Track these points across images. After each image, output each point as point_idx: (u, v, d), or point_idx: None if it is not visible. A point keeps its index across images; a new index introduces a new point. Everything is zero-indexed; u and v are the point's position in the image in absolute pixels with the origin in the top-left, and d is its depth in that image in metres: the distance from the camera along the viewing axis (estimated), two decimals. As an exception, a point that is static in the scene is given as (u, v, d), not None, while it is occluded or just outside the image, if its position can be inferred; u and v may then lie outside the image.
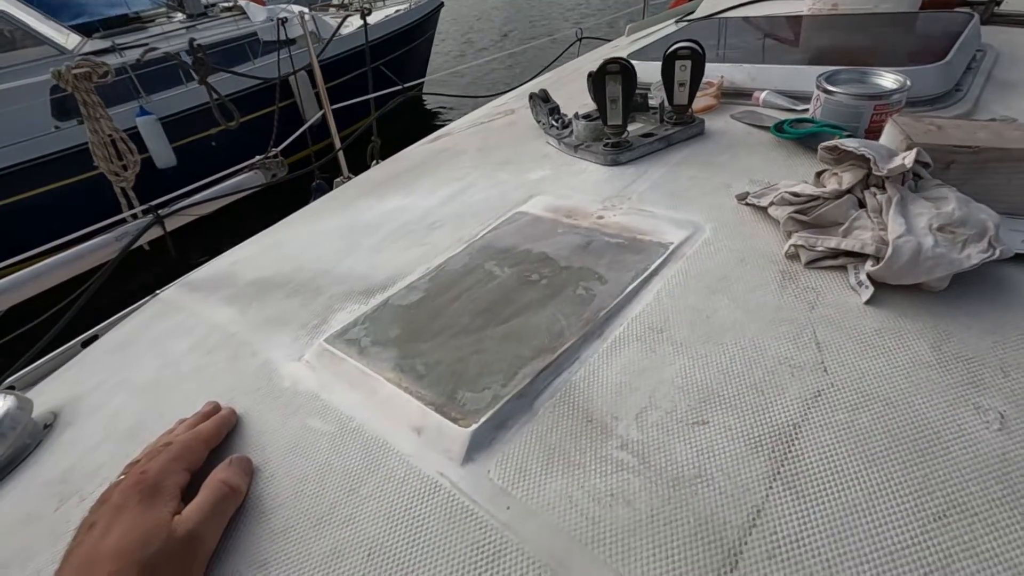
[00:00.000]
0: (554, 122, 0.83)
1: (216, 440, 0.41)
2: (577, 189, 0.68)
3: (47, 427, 0.54)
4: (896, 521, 0.30)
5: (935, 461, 0.32)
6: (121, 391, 0.55)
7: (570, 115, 0.81)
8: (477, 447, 0.36)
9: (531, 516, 0.32)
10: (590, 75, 0.70)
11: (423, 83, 4.94)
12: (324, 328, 0.52)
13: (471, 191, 0.74)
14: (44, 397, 0.58)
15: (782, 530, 0.30)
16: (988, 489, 0.30)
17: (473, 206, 0.69)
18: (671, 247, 0.53)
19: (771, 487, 0.32)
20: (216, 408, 0.44)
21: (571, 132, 0.79)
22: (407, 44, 4.98)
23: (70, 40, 3.59)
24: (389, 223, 0.70)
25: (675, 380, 0.39)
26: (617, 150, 0.71)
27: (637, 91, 0.80)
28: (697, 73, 0.69)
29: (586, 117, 0.77)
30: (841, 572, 0.28)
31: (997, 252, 0.42)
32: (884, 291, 0.44)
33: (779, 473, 0.33)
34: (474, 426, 0.37)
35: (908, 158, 0.47)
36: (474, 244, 0.59)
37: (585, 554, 0.30)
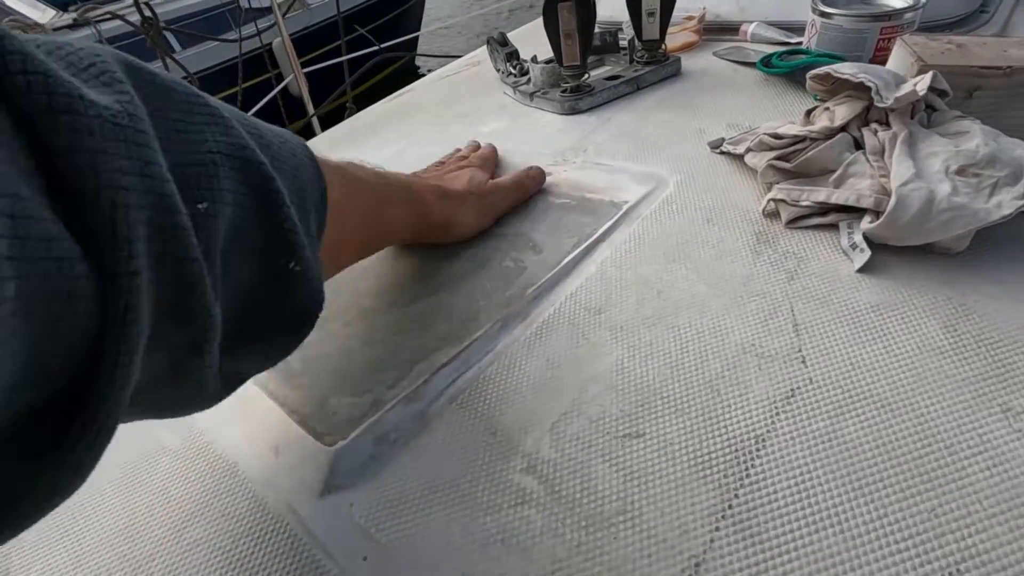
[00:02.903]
0: (512, 69, 0.72)
1: (496, 158, 0.54)
2: (528, 142, 0.58)
3: None
4: (889, 579, 0.21)
5: (947, 488, 0.23)
6: None
7: (529, 60, 0.71)
8: (342, 472, 0.28)
9: (392, 571, 0.24)
10: None
11: (415, 44, 4.71)
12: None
13: (414, 149, 0.64)
14: None
15: (727, 594, 0.21)
16: (1018, 529, 0.22)
17: (412, 166, 0.60)
18: (625, 207, 0.43)
19: (717, 528, 0.23)
20: (478, 144, 0.56)
21: (529, 79, 0.68)
22: (395, 8, 4.73)
23: (44, 15, 3.43)
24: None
25: (608, 377, 0.30)
26: (576, 96, 0.60)
27: (606, 29, 0.69)
28: (668, 0, 0.58)
29: (546, 62, 0.66)
30: (806, 660, 0.20)
31: (1036, 199, 0.32)
32: (885, 255, 0.34)
33: (730, 507, 0.24)
34: (341, 444, 0.29)
35: (921, 83, 0.37)
36: (399, 210, 0.50)
37: (452, 630, 0.22)
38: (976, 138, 0.35)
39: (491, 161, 0.52)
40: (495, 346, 0.34)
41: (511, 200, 0.46)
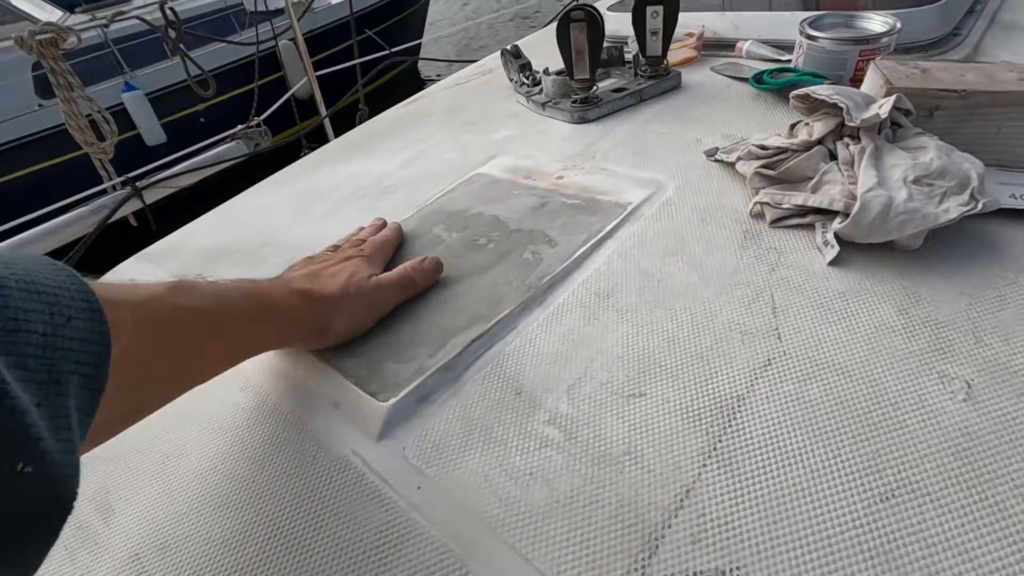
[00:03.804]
0: (524, 79, 0.78)
1: (398, 242, 0.50)
2: (541, 148, 0.63)
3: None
4: (838, 501, 0.27)
5: (889, 435, 0.29)
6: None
7: (541, 72, 0.76)
8: (394, 423, 0.34)
9: (441, 497, 0.30)
10: None
11: (419, 48, 4.77)
12: (260, 298, 0.49)
13: (432, 153, 0.70)
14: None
15: (711, 512, 0.27)
16: (944, 466, 0.27)
17: (432, 169, 0.66)
18: (629, 207, 0.49)
19: (705, 464, 0.29)
20: (385, 223, 0.52)
21: (541, 89, 0.74)
22: (401, 11, 4.80)
23: (52, 15, 3.47)
24: (344, 188, 0.67)
25: (615, 350, 0.36)
26: (585, 106, 0.66)
27: (612, 44, 0.75)
28: (671, 20, 0.64)
29: (557, 73, 0.72)
30: (771, 557, 0.25)
31: (980, 205, 0.38)
32: (852, 251, 0.40)
33: (715, 449, 0.30)
34: (392, 400, 0.34)
35: (884, 107, 0.43)
36: (425, 208, 0.56)
37: (492, 537, 0.28)
38: (931, 152, 0.40)
39: (384, 250, 0.47)
40: (517, 324, 0.39)
41: (397, 298, 0.42)
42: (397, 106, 1.06)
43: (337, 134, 2.21)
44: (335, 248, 0.48)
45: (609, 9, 0.91)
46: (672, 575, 0.25)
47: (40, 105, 3.40)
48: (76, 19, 3.38)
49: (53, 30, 1.16)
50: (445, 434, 0.33)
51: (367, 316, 0.41)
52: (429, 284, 0.44)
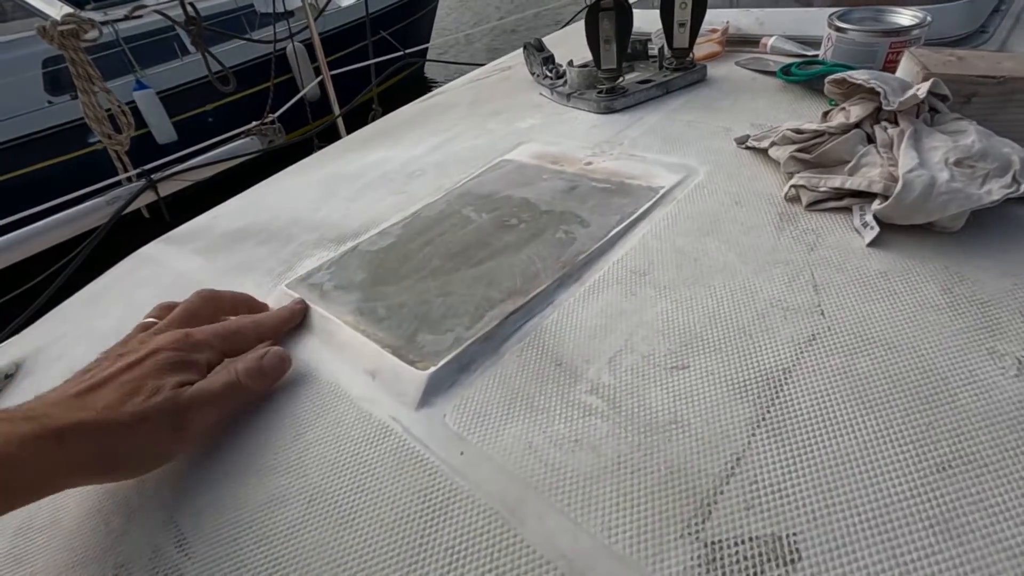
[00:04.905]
0: (548, 72, 0.78)
1: (271, 335, 0.40)
2: (567, 136, 0.63)
3: (8, 377, 0.52)
4: (893, 471, 0.26)
5: (941, 408, 0.28)
6: (83, 341, 0.53)
7: (565, 64, 0.77)
8: (434, 391, 0.33)
9: (485, 462, 0.29)
10: None
11: (426, 51, 4.81)
12: (289, 274, 0.49)
13: (457, 141, 0.70)
14: (12, 348, 0.57)
15: (763, 479, 0.27)
16: (1000, 438, 0.27)
17: (458, 155, 0.66)
18: (661, 191, 0.49)
19: (754, 434, 0.29)
20: (296, 304, 0.43)
21: (565, 81, 0.74)
22: (410, 15, 4.84)
23: (61, 12, 3.52)
24: (369, 173, 0.67)
25: (655, 323, 0.36)
26: (611, 96, 0.66)
27: (636, 39, 0.75)
28: (699, 12, 0.64)
29: (582, 66, 0.72)
30: (827, 524, 0.25)
31: (1022, 188, 0.37)
32: (891, 232, 0.39)
33: (764, 419, 0.29)
34: (432, 369, 0.34)
35: (922, 89, 0.42)
36: (453, 191, 0.56)
37: (540, 501, 0.27)
38: (971, 136, 0.40)
39: (227, 344, 0.36)
40: (554, 299, 0.39)
41: (220, 413, 0.33)
42: (414, 102, 1.07)
43: (349, 133, 2.22)
44: (146, 328, 0.36)
45: (635, 4, 0.91)
46: (727, 539, 0.25)
47: (49, 102, 3.42)
48: (88, 15, 3.41)
49: (75, 21, 1.17)
50: (485, 402, 0.33)
51: (172, 442, 0.31)
52: (271, 385, 0.35)
